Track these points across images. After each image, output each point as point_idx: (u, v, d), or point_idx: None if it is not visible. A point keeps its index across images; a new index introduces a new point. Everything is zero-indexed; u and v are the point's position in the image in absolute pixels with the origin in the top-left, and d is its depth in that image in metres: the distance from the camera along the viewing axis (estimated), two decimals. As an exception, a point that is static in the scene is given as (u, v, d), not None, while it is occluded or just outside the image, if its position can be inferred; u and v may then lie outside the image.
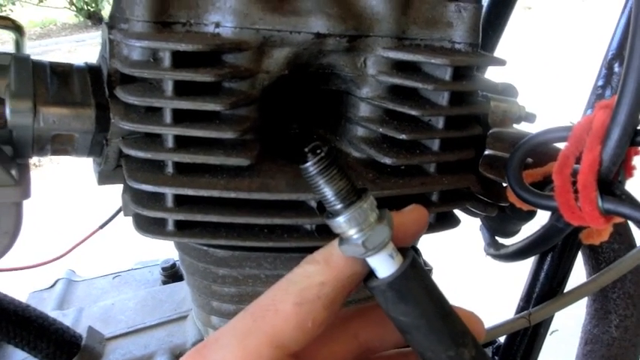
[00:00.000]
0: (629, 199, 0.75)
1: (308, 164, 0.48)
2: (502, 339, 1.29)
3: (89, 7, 13.96)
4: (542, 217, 1.00)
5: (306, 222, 0.79)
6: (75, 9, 14.09)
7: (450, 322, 0.51)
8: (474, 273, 3.66)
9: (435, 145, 0.80)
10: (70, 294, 1.40)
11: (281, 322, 0.48)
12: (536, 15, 12.05)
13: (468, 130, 0.82)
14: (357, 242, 0.49)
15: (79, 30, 13.91)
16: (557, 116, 1.28)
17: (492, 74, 1.05)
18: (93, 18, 14.04)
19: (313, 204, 0.78)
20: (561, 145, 0.81)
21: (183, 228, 0.77)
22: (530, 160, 0.88)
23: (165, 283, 1.43)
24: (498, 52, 1.39)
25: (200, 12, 0.71)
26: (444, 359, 0.50)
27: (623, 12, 1.02)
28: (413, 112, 0.76)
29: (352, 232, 0.49)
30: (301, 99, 0.85)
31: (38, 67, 0.76)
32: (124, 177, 0.76)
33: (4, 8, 12.53)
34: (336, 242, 0.51)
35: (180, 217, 0.75)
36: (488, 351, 1.38)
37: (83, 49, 11.86)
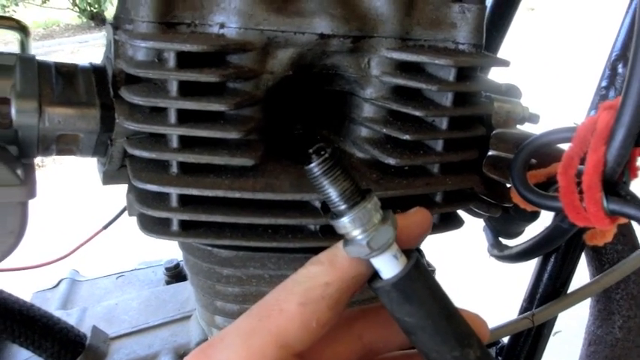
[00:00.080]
0: (634, 200, 0.75)
1: (312, 165, 0.48)
2: (506, 339, 1.28)
3: (92, 8, 13.97)
4: (545, 219, 1.00)
5: (310, 222, 0.79)
6: (78, 10, 14.10)
7: (454, 323, 0.51)
8: (478, 274, 3.65)
9: (439, 145, 0.80)
10: (74, 294, 1.40)
11: (286, 321, 0.48)
12: (539, 16, 12.03)
13: (472, 130, 0.82)
14: (362, 243, 0.49)
15: (82, 31, 13.92)
16: (560, 117, 1.28)
17: (496, 75, 1.05)
18: (96, 19, 14.06)
19: (317, 204, 0.78)
20: (565, 146, 0.81)
21: (187, 228, 0.77)
22: (533, 160, 0.88)
23: (168, 283, 1.43)
24: (502, 53, 1.39)
25: (205, 13, 0.72)
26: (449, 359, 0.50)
27: (627, 13, 1.02)
28: (417, 113, 0.77)
29: (356, 233, 0.49)
30: (305, 100, 0.85)
31: (43, 67, 0.76)
32: (128, 177, 0.77)
33: (7, 9, 12.55)
34: (340, 244, 0.51)
35: (185, 217, 0.75)
36: (492, 352, 1.38)
37: (86, 49, 11.87)
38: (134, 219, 0.81)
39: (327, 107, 0.86)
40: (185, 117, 0.71)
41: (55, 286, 1.43)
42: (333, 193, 0.49)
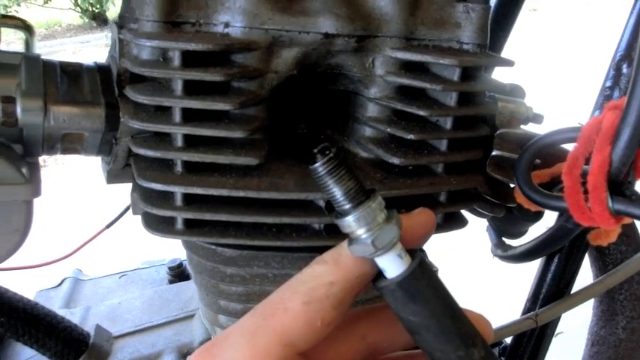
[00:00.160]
0: (639, 200, 0.75)
1: (317, 165, 0.48)
2: (509, 340, 1.29)
3: (94, 9, 13.97)
4: (547, 220, 1.00)
5: (315, 221, 0.79)
6: (80, 10, 14.10)
7: (459, 322, 0.51)
8: (481, 274, 3.65)
9: (443, 145, 0.80)
10: (77, 293, 1.40)
11: (290, 320, 0.48)
12: (541, 17, 12.02)
13: (476, 130, 0.82)
14: (366, 242, 0.49)
15: (84, 31, 13.93)
16: (564, 118, 1.28)
17: (499, 75, 1.05)
18: (98, 19, 14.06)
19: (322, 203, 0.78)
20: (568, 147, 0.81)
21: (192, 227, 0.77)
22: (537, 160, 0.88)
23: (171, 282, 1.43)
24: (505, 53, 1.39)
25: (209, 12, 0.72)
26: (453, 359, 0.50)
27: (631, 13, 1.02)
28: (421, 113, 0.76)
29: (361, 232, 0.49)
30: (309, 99, 0.85)
31: (48, 66, 0.76)
32: (132, 176, 0.77)
33: (9, 9, 12.55)
34: (345, 243, 0.51)
35: (190, 215, 0.75)
36: (495, 352, 1.38)
37: (88, 50, 11.88)
38: (137, 218, 0.81)
39: (331, 107, 0.86)
40: (190, 116, 0.71)
41: (58, 285, 1.43)
42: (337, 193, 0.49)
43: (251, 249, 0.84)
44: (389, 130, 0.78)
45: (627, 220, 0.79)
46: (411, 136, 0.77)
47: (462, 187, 0.83)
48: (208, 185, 0.73)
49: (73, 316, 1.21)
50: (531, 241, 1.04)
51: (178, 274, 1.45)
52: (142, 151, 0.74)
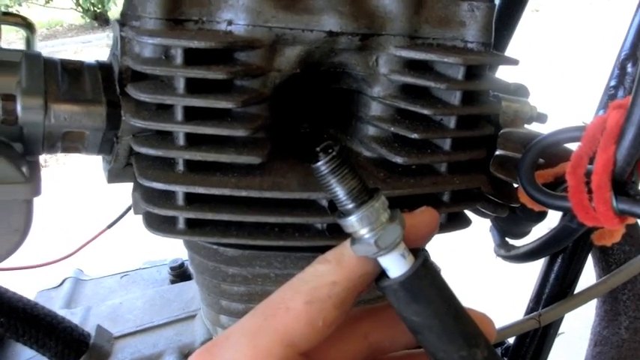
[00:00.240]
0: (643, 200, 0.75)
1: (320, 163, 0.48)
2: (511, 340, 1.28)
3: (95, 9, 13.99)
4: (550, 220, 1.00)
5: (317, 221, 0.79)
6: (81, 10, 14.12)
7: (462, 323, 0.51)
8: (484, 274, 3.65)
9: (447, 144, 0.80)
10: (78, 293, 1.40)
11: (292, 320, 0.48)
12: (544, 17, 12.03)
13: (480, 129, 0.82)
14: (369, 241, 0.48)
15: (86, 31, 13.95)
16: (568, 117, 1.27)
17: (504, 75, 1.05)
18: (99, 19, 14.09)
19: (324, 203, 0.78)
20: (572, 146, 0.81)
21: (193, 226, 0.76)
22: (541, 160, 0.88)
23: (173, 282, 1.43)
24: (508, 53, 1.39)
25: (212, 9, 0.71)
26: (456, 359, 0.50)
27: (636, 12, 1.01)
28: (425, 111, 0.76)
29: (364, 232, 0.49)
30: (312, 98, 0.85)
31: (49, 64, 0.76)
32: (133, 175, 0.76)
33: (10, 9, 12.57)
34: (347, 242, 0.51)
35: (191, 215, 0.74)
36: (498, 352, 1.38)
37: (89, 50, 11.91)
38: (139, 218, 0.81)
39: (334, 106, 0.86)
40: (192, 114, 0.71)
41: (59, 285, 1.42)
42: (340, 192, 0.49)
43: (253, 249, 0.83)
44: (392, 129, 0.78)
45: (631, 220, 0.79)
46: (414, 135, 0.76)
47: (466, 186, 0.83)
48: (210, 184, 0.73)
49: (73, 316, 1.20)
50: (534, 241, 1.03)
51: (180, 274, 1.45)
52: (144, 150, 0.73)
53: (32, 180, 0.74)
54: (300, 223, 0.79)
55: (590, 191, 0.75)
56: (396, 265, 0.50)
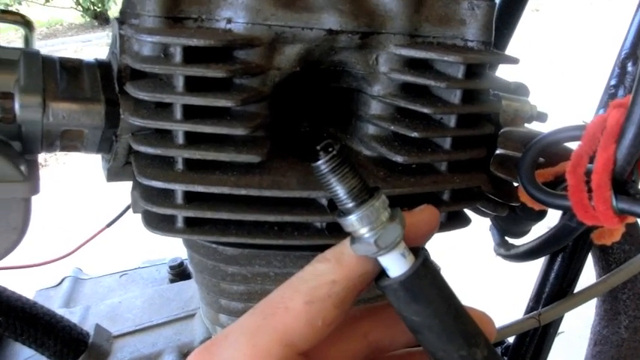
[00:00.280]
0: (643, 199, 0.75)
1: (320, 162, 0.48)
2: (511, 339, 1.28)
3: (95, 8, 14.00)
4: (550, 219, 1.00)
5: (317, 220, 0.79)
6: (81, 9, 14.12)
7: (462, 322, 0.51)
8: (484, 273, 3.65)
9: (447, 143, 0.80)
10: (77, 292, 1.39)
11: (291, 320, 0.48)
12: (544, 17, 12.04)
13: (480, 128, 0.82)
14: (369, 241, 0.48)
15: (86, 30, 13.95)
16: (568, 116, 1.27)
17: (504, 74, 1.04)
18: (99, 18, 14.09)
19: (324, 202, 0.78)
20: (572, 145, 0.81)
21: (192, 225, 0.76)
22: (541, 159, 0.87)
23: (172, 281, 1.43)
24: (509, 52, 1.39)
25: (212, 7, 0.71)
26: (456, 359, 0.50)
27: (637, 11, 1.01)
28: (425, 110, 0.76)
29: (364, 231, 0.48)
30: (312, 96, 0.85)
31: (48, 62, 0.76)
32: (133, 174, 0.76)
33: (10, 7, 12.57)
34: (347, 241, 0.51)
35: (190, 213, 0.74)
36: (498, 351, 1.38)
37: (89, 49, 11.90)
38: (138, 216, 0.80)
39: (334, 104, 0.85)
40: (191, 113, 0.70)
41: (58, 284, 1.42)
42: (340, 191, 0.48)
43: (252, 248, 0.83)
44: (392, 127, 0.78)
45: (631, 220, 0.78)
46: (414, 134, 0.76)
47: (466, 185, 0.83)
48: (209, 183, 0.72)
49: (72, 315, 1.20)
50: (534, 240, 1.03)
51: (179, 273, 1.44)
52: (143, 149, 0.73)
53: (31, 178, 0.74)
54: (300, 221, 0.79)
55: (590, 190, 0.75)
56: (396, 265, 0.49)
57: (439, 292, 0.50)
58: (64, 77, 0.75)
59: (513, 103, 0.92)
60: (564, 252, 1.11)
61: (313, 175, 0.49)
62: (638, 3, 1.00)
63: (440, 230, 0.80)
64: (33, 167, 0.76)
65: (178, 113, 0.70)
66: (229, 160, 0.73)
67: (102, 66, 0.79)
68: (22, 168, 0.73)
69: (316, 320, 0.48)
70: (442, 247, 1.40)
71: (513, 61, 0.81)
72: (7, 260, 0.81)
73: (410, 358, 0.59)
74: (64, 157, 6.41)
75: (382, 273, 0.51)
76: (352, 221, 0.49)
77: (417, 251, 0.51)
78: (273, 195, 0.75)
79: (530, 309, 1.17)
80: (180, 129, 0.71)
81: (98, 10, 14.01)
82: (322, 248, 0.53)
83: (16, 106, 0.71)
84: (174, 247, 1.22)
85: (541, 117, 0.96)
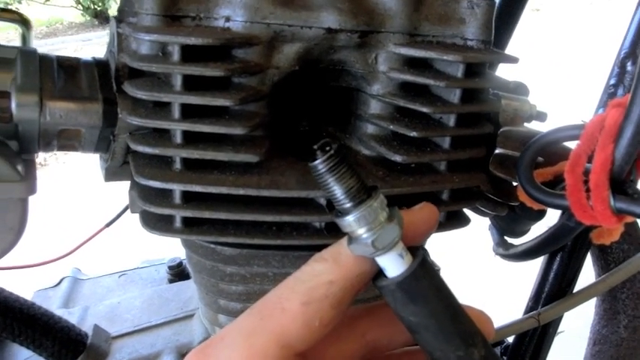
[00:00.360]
0: (641, 198, 0.75)
1: (317, 162, 0.47)
2: (511, 339, 1.28)
3: (96, 6, 14.01)
4: (549, 218, 0.99)
5: (315, 220, 0.78)
6: (81, 8, 14.13)
7: (459, 322, 0.51)
8: (483, 273, 3.65)
9: (446, 142, 0.80)
10: (76, 292, 1.39)
11: (288, 321, 0.47)
12: (544, 17, 12.04)
13: (479, 128, 0.82)
14: (367, 242, 0.48)
15: (86, 29, 13.95)
16: (567, 115, 1.27)
17: (504, 73, 1.04)
18: (99, 17, 14.09)
19: (323, 201, 0.77)
20: (572, 145, 0.80)
21: (190, 225, 0.76)
22: (540, 159, 0.87)
23: (171, 281, 1.43)
24: (509, 52, 1.38)
25: (210, 6, 0.71)
26: (453, 359, 0.50)
27: (636, 11, 1.01)
28: (424, 110, 0.76)
29: (362, 232, 0.48)
30: (311, 96, 0.85)
31: (45, 60, 0.76)
32: (131, 173, 0.76)
33: (10, 6, 12.57)
34: (344, 240, 0.50)
35: (188, 213, 0.74)
36: (497, 351, 1.38)
37: (90, 48, 11.89)
38: (137, 216, 0.80)
39: (333, 103, 0.85)
40: (189, 112, 0.70)
41: (57, 285, 1.42)
42: (338, 191, 0.48)
43: (251, 248, 0.83)
44: (391, 127, 0.77)
45: (629, 219, 0.78)
46: (413, 134, 0.76)
47: (465, 185, 0.82)
48: (207, 183, 0.72)
49: (71, 316, 1.20)
50: (533, 239, 1.03)
51: (178, 273, 1.44)
52: (140, 148, 0.73)
53: (27, 178, 0.73)
54: (298, 221, 0.78)
55: (588, 190, 0.75)
56: (393, 265, 0.49)
57: (436, 293, 0.50)
58: (61, 76, 0.75)
59: (513, 103, 0.91)
60: (563, 251, 1.11)
61: (312, 174, 0.49)
62: (638, 2, 1.00)
63: (439, 230, 0.80)
64: (30, 167, 0.76)
65: (176, 112, 0.70)
66: (227, 159, 0.73)
67: (100, 65, 0.79)
68: (19, 168, 0.72)
69: (313, 321, 0.48)
70: (442, 247, 1.39)
71: (513, 60, 0.81)
72: (6, 260, 0.81)
73: (408, 357, 0.59)
74: (64, 157, 6.41)
75: (380, 273, 0.51)
76: (350, 222, 0.48)
77: (416, 251, 0.50)
78: (272, 195, 0.74)
79: (530, 309, 1.17)
80: (178, 128, 0.71)
81: (98, 8, 14.01)
82: (321, 248, 0.52)
83: (13, 105, 0.70)
84: (173, 247, 1.22)
85: (540, 116, 0.96)
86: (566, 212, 0.90)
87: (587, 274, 1.15)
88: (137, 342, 1.13)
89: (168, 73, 0.71)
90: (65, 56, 0.79)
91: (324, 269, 0.49)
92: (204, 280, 0.88)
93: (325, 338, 0.50)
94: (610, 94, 1.04)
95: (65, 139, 0.77)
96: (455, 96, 0.77)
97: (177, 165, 0.73)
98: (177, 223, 0.76)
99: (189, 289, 1.30)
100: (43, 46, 11.50)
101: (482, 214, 0.97)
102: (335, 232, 0.79)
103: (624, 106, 0.73)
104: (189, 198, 0.74)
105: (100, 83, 0.76)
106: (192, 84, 0.69)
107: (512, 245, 1.12)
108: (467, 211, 0.90)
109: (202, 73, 0.68)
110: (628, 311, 1.12)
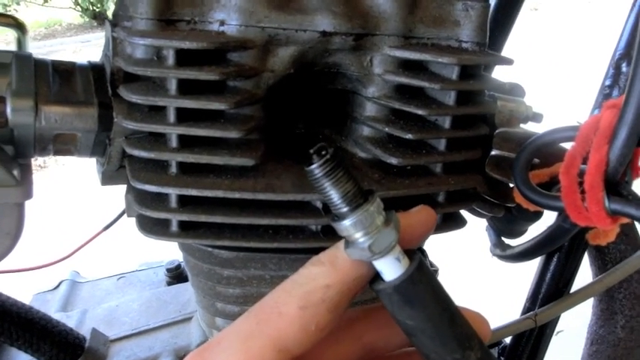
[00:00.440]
0: (635, 200, 0.75)
1: (313, 166, 0.47)
2: (508, 340, 1.28)
3: (94, 8, 14.00)
4: (548, 218, 0.99)
5: (312, 223, 0.78)
6: (80, 9, 14.12)
7: (456, 325, 0.51)
8: (480, 274, 3.65)
9: (442, 145, 0.80)
10: (74, 295, 1.39)
11: (285, 325, 0.47)
12: (542, 16, 12.05)
13: (475, 129, 0.82)
14: (363, 246, 0.48)
15: (85, 30, 13.94)
16: (563, 116, 1.27)
17: (499, 74, 1.04)
18: (98, 18, 14.08)
19: (319, 204, 0.77)
20: (568, 146, 0.80)
21: (187, 229, 0.76)
22: (536, 160, 0.87)
23: (169, 284, 1.42)
24: (505, 52, 1.38)
25: (205, 10, 0.71)
26: None
27: (631, 12, 1.01)
28: (419, 112, 0.76)
29: (358, 236, 0.48)
30: (307, 98, 0.85)
31: (40, 65, 0.75)
32: (127, 177, 0.76)
33: (8, 8, 12.57)
34: (341, 244, 0.50)
35: (184, 217, 0.74)
36: (494, 352, 1.38)
37: (88, 49, 11.89)
38: (134, 220, 0.80)
39: (328, 106, 0.85)
40: (184, 116, 0.70)
41: (55, 288, 1.42)
42: (334, 195, 0.48)
43: (247, 251, 0.83)
44: (387, 129, 0.77)
45: (624, 220, 0.78)
46: (409, 136, 0.76)
47: (461, 187, 0.82)
48: (203, 187, 0.72)
49: (69, 319, 1.20)
50: (529, 240, 1.03)
51: (176, 275, 1.44)
52: (136, 152, 0.73)
53: (23, 183, 0.73)
54: (294, 224, 0.78)
55: (583, 191, 0.75)
56: (390, 269, 0.49)
57: (433, 297, 0.50)
58: (56, 80, 0.75)
59: (509, 104, 0.92)
60: (560, 252, 1.11)
61: (307, 178, 0.49)
62: (632, 4, 1.00)
63: (435, 232, 0.80)
64: (26, 172, 0.75)
65: (172, 116, 0.70)
66: (223, 163, 0.73)
67: (95, 69, 0.79)
68: (15, 172, 0.72)
69: (310, 325, 0.48)
70: (438, 248, 1.39)
71: (508, 62, 0.81)
72: (3, 264, 0.80)
73: (405, 358, 0.59)
74: (64, 159, 6.37)
75: (377, 276, 0.51)
76: (346, 226, 0.48)
77: (413, 254, 0.50)
78: (268, 198, 0.74)
79: (527, 309, 1.17)
80: (173, 132, 0.71)
81: (97, 10, 14.01)
82: (317, 251, 0.52)
83: (8, 109, 0.70)
84: (171, 250, 1.22)
85: (536, 117, 0.96)
86: (562, 214, 0.90)
87: (585, 274, 1.15)
88: (135, 345, 1.13)
89: (163, 77, 0.70)
90: (60, 60, 0.79)
91: (321, 273, 0.49)
92: (201, 283, 0.88)
93: (322, 341, 0.50)
94: (605, 95, 1.04)
95: (61, 144, 0.77)
96: (450, 98, 0.77)
97: (173, 169, 0.73)
98: (174, 227, 0.75)
99: (187, 291, 1.30)
100: (41, 47, 11.51)
101: (479, 215, 0.97)
102: (331, 234, 0.79)
103: (619, 108, 0.73)
104: (185, 202, 0.74)
105: (96, 87, 0.76)
106: (187, 88, 0.69)
107: (509, 246, 1.12)
108: (464, 213, 0.90)
109: (197, 77, 0.68)
110: (625, 311, 1.12)
